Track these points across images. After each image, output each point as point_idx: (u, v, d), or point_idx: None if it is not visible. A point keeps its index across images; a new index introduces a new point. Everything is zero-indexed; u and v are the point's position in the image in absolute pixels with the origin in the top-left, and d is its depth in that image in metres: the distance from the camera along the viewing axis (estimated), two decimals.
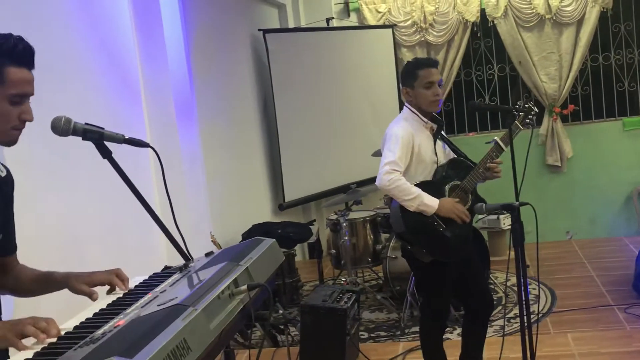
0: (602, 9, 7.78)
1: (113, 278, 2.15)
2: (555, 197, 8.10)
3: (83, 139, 2.08)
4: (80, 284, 2.14)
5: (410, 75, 3.70)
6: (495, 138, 3.74)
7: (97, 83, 4.43)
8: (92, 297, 2.08)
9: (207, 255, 2.31)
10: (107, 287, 2.17)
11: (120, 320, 1.71)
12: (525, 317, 3.41)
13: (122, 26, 4.81)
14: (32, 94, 1.95)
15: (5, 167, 2.09)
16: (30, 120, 1.95)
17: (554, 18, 7.83)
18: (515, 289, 5.89)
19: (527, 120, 3.75)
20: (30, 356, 1.65)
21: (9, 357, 1.73)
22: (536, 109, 3.81)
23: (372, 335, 5.28)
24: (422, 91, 3.67)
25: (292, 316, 5.44)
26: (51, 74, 3.80)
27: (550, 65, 7.94)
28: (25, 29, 3.26)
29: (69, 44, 4.14)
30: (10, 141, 1.97)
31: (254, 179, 7.11)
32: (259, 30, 7.06)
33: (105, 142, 2.11)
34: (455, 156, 3.85)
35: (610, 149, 8.11)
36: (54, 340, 1.73)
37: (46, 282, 2.21)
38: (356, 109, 7.87)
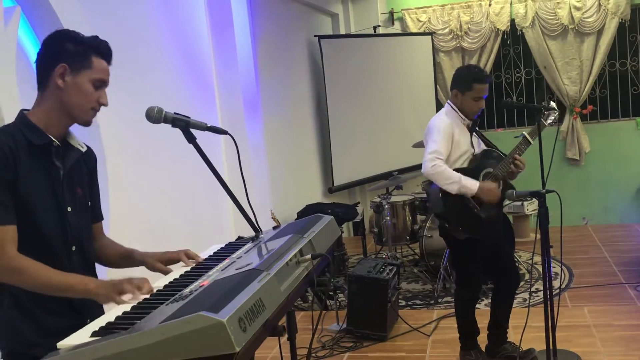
0: (620, 20, 7.55)
1: (182, 256, 2.14)
2: (573, 187, 7.92)
3: (172, 126, 2.10)
4: (155, 262, 2.15)
5: (466, 84, 3.60)
6: (524, 132, 3.68)
7: (179, 81, 4.48)
8: (167, 274, 2.08)
9: (274, 228, 2.32)
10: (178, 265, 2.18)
11: (205, 281, 1.73)
12: (548, 291, 3.37)
13: (200, 33, 4.86)
14: (108, 84, 2.01)
15: (86, 145, 2.11)
16: (106, 104, 2.00)
17: (577, 28, 7.63)
18: (538, 266, 5.80)
19: (551, 119, 3.67)
20: (129, 309, 1.68)
21: (104, 312, 1.77)
22: (557, 109, 3.74)
23: (409, 303, 5.26)
24: (470, 101, 3.61)
25: (339, 284, 5.45)
26: (140, 72, 3.87)
27: (572, 70, 7.75)
28: (118, 36, 3.33)
29: (156, 49, 4.20)
30: (87, 121, 2.00)
31: (308, 165, 7.13)
32: (315, 36, 7.05)
33: (190, 129, 2.13)
34: (488, 148, 3.80)
35: (624, 145, 7.90)
36: (148, 296, 1.77)
37: (128, 259, 2.22)
38: (398, 106, 7.81)
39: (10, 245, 1.81)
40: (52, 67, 1.92)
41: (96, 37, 1.99)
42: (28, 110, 1.98)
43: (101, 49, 1.97)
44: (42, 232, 1.90)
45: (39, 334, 1.88)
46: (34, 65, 1.99)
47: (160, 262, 2.15)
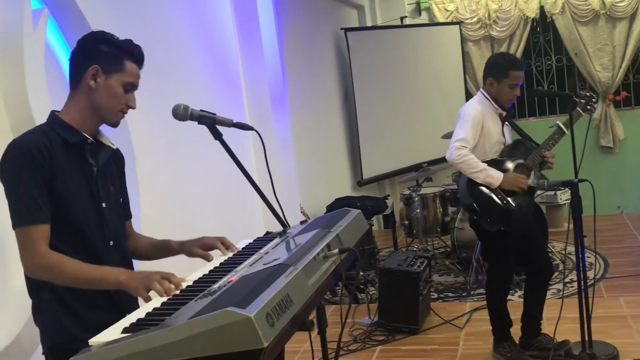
0: None
1: (218, 244, 2.18)
2: (608, 175, 7.79)
3: (198, 123, 2.11)
4: (194, 248, 2.18)
5: (502, 72, 3.56)
6: (558, 122, 3.62)
7: (206, 78, 4.51)
8: (208, 258, 2.13)
9: (301, 223, 2.32)
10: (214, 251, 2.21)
11: (233, 277, 1.74)
12: (582, 281, 3.32)
13: (226, 30, 4.88)
14: (137, 88, 2.05)
15: (114, 145, 2.15)
16: (134, 107, 2.04)
17: (608, 13, 7.48)
18: (571, 256, 5.72)
19: (588, 107, 3.61)
20: (159, 305, 1.70)
21: (138, 306, 1.79)
22: (596, 97, 3.67)
23: (441, 295, 5.23)
24: (506, 89, 3.56)
25: (370, 278, 5.43)
26: (168, 70, 3.90)
27: (604, 56, 7.61)
28: (145, 36, 3.35)
29: (182, 47, 4.23)
30: (116, 122, 2.05)
31: (336, 158, 7.12)
32: (341, 29, 7.03)
33: (217, 126, 2.14)
34: (520, 138, 3.75)
35: None
36: (177, 292, 1.78)
37: (163, 249, 2.25)
38: (427, 97, 7.75)
39: (41, 243, 1.85)
40: (85, 67, 1.96)
41: (130, 40, 2.02)
42: (58, 111, 2.02)
43: (134, 53, 2.00)
44: (80, 229, 1.94)
45: (81, 329, 1.89)
46: (67, 64, 2.03)
47: (199, 247, 2.18)
